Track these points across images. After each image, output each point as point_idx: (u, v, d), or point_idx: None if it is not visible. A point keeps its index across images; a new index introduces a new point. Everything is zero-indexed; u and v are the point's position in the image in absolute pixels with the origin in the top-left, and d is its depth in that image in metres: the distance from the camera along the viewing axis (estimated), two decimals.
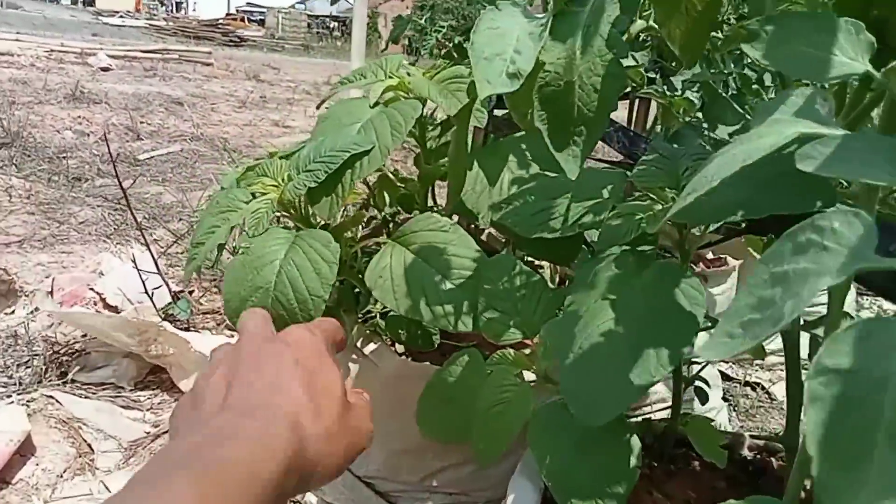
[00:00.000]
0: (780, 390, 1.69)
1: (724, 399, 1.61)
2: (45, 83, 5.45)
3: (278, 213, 0.83)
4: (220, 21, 20.14)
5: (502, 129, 1.02)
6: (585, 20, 0.50)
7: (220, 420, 0.38)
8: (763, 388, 1.68)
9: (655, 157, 0.76)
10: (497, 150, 0.89)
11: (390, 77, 0.90)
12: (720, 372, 1.63)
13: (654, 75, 1.18)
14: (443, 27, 1.19)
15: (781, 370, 1.80)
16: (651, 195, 0.73)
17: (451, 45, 1.18)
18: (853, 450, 0.30)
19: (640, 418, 1.01)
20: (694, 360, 0.87)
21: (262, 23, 25.07)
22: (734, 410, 1.60)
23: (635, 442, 0.70)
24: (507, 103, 0.73)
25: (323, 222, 0.92)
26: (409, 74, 0.91)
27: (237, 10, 30.24)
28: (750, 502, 0.55)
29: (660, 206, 0.70)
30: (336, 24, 24.28)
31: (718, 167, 0.41)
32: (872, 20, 0.58)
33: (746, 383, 1.68)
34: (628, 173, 0.78)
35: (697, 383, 0.84)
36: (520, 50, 0.47)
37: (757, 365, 1.80)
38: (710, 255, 1.63)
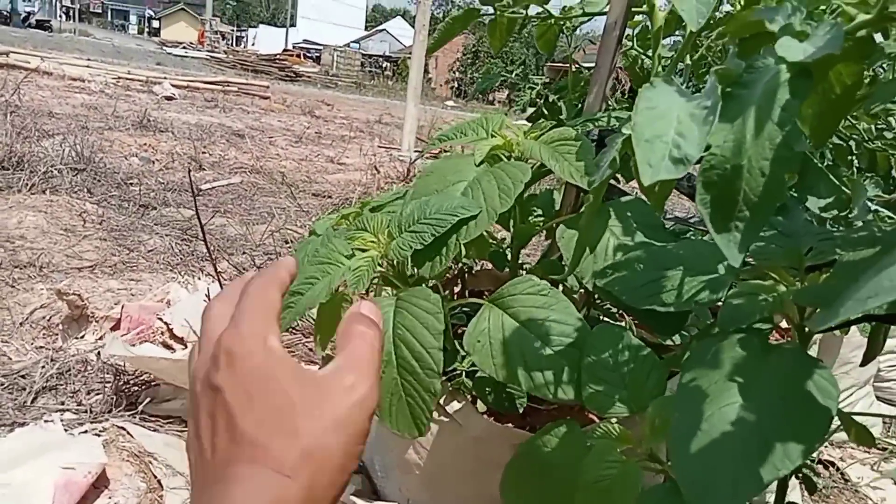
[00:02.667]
0: (853, 471, 1.62)
1: (796, 477, 1.54)
2: (114, 109, 5.69)
3: (378, 272, 0.83)
4: (278, 56, 20.81)
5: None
6: (757, 102, 0.49)
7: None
8: (836, 467, 1.61)
9: (773, 234, 0.75)
10: (600, 214, 0.88)
11: (493, 136, 0.91)
12: None
13: None
14: (536, 84, 1.19)
15: (853, 447, 1.73)
16: (772, 274, 0.71)
17: (542, 101, 1.19)
18: None
19: None
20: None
21: (317, 59, 25.82)
22: (806, 491, 1.53)
23: None
24: (637, 180, 0.72)
25: (417, 276, 0.92)
26: (512, 133, 0.92)
27: (294, 46, 31.25)
28: None
29: (783, 288, 0.68)
30: (388, 63, 24.86)
31: None
32: None
33: (819, 461, 1.61)
34: None
35: (805, 471, 0.81)
36: (683, 133, 0.46)
37: (828, 442, 1.73)
38: (784, 324, 1.58)
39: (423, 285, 0.90)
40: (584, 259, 0.84)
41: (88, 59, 10.40)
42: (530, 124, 1.12)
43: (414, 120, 6.28)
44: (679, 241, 0.81)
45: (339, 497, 0.36)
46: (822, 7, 0.56)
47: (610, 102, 1.27)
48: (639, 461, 0.71)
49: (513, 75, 1.23)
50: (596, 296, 1.00)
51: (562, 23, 1.15)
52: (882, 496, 1.50)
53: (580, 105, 1.15)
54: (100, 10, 52.67)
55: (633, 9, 1.00)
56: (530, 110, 1.34)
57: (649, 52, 1.01)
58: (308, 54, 27.42)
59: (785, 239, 0.72)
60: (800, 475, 0.81)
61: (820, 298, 0.62)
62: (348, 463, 0.36)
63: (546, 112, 1.17)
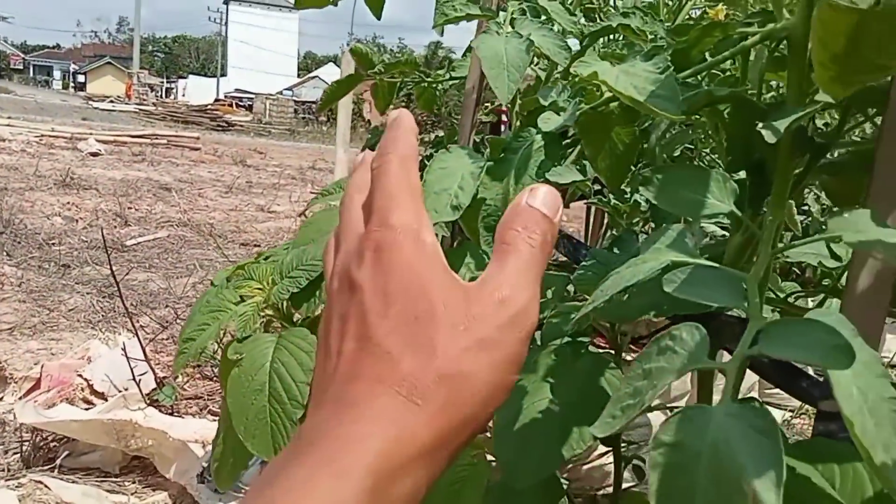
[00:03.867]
0: None
1: (637, 466, 1.69)
2: (35, 169, 5.62)
3: (264, 315, 0.94)
4: (209, 106, 20.73)
5: (465, 234, 1.15)
6: (517, 164, 0.63)
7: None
8: None
9: (592, 263, 0.89)
10: (458, 252, 1.02)
11: None
12: None
13: (600, 186, 1.34)
14: (418, 140, 1.33)
15: None
16: (588, 297, 0.85)
17: (424, 155, 1.33)
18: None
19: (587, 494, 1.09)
20: (631, 441, 0.97)
21: (250, 108, 25.82)
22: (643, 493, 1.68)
23: None
24: (461, 224, 0.86)
25: (302, 317, 1.03)
26: None
27: (226, 96, 31.20)
28: None
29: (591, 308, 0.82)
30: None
31: (612, 285, 0.54)
32: (753, 162, 0.73)
33: None
34: (570, 277, 0.92)
35: (636, 462, 0.94)
36: (462, 187, 0.60)
37: None
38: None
39: (312, 326, 1.01)
40: None
41: (9, 117, 10.18)
42: None
43: (344, 165, 6.41)
44: None
45: (477, 434, 0.31)
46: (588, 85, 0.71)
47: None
48: (486, 463, 0.83)
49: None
50: None
51: (436, 85, 1.30)
52: None
53: None
54: (21, 67, 51.34)
55: None
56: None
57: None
58: (240, 103, 27.40)
59: (600, 267, 0.87)
60: (632, 465, 0.95)
61: (614, 315, 0.77)
62: (495, 395, 0.30)
63: (426, 163, 1.31)
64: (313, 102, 25.90)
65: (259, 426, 0.83)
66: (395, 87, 1.32)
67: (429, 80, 1.28)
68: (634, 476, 0.97)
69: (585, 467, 1.45)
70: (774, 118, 0.61)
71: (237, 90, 34.14)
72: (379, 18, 1.31)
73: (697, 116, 0.74)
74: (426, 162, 1.45)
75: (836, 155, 0.88)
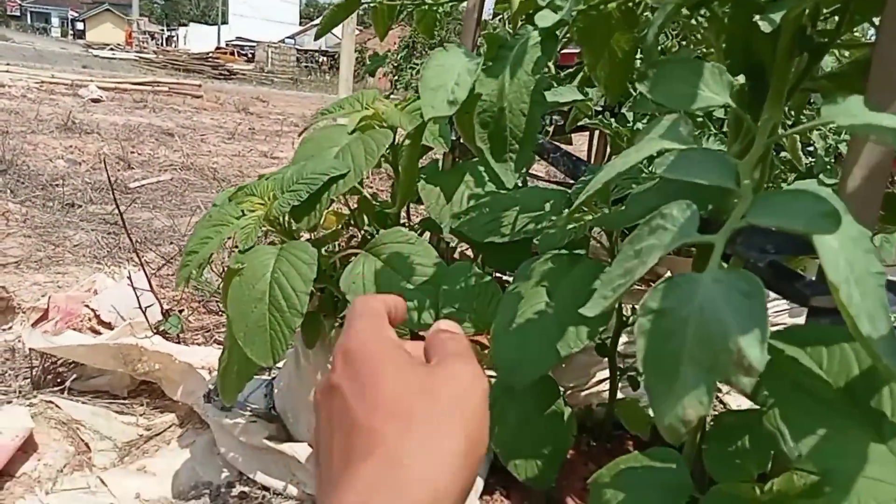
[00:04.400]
0: (732, 399, 1.81)
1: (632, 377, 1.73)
2: (37, 113, 5.58)
3: (265, 229, 0.95)
4: (210, 54, 20.42)
5: (466, 154, 1.15)
6: (512, 60, 0.63)
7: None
8: (716, 396, 1.80)
9: (590, 177, 0.90)
10: (457, 171, 1.02)
11: (366, 108, 1.04)
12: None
13: (601, 108, 1.33)
14: (417, 64, 1.32)
15: None
16: (585, 209, 0.86)
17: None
18: (667, 367, 0.42)
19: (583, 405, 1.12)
20: (627, 354, 0.99)
21: (251, 57, 25.42)
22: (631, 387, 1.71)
23: (571, 419, 0.81)
24: (456, 127, 0.86)
25: (305, 237, 1.05)
26: (383, 105, 1.05)
27: (227, 44, 30.69)
28: (651, 452, 0.67)
29: (590, 217, 0.83)
30: (325, 58, 24.66)
31: (605, 173, 0.54)
32: (752, 63, 0.73)
33: None
34: (569, 191, 0.92)
35: (631, 373, 0.96)
36: (459, 83, 0.60)
37: None
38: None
39: (315, 246, 1.02)
40: (443, 208, 0.98)
41: (8, 64, 10.05)
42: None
43: None
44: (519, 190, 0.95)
45: (467, 493, 0.33)
46: None
47: None
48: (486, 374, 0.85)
49: (398, 57, 1.34)
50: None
51: (436, 8, 1.28)
52: (739, 403, 1.69)
53: None
54: (18, 14, 50.43)
55: None
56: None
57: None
58: (241, 52, 26.97)
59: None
60: (628, 375, 0.97)
61: (612, 222, 0.78)
62: (472, 450, 0.33)
63: None
64: (316, 51, 25.48)
65: (258, 333, 0.85)
66: (394, 11, 1.30)
67: (429, 2, 1.27)
68: (631, 388, 1.00)
69: (584, 393, 1.48)
70: (772, 11, 0.61)
71: (238, 38, 33.54)
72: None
73: (698, 20, 0.74)
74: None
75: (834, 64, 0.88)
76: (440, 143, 0.97)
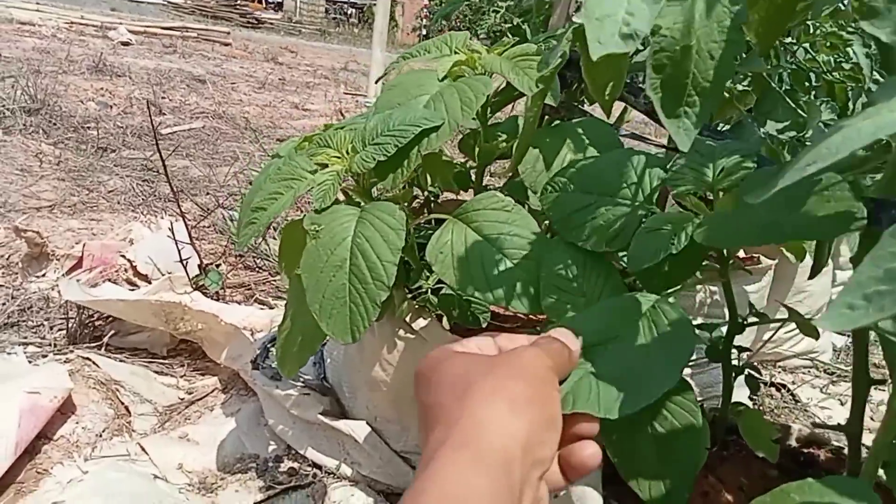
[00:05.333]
0: (803, 392, 1.70)
1: (750, 399, 1.61)
2: (67, 54, 5.46)
3: (343, 186, 0.83)
4: (239, 2, 20.10)
5: (558, 113, 1.02)
6: None
7: (453, 466, 0.37)
8: (788, 389, 1.69)
9: (692, 157, 0.73)
10: (556, 132, 0.89)
11: (456, 52, 0.91)
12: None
13: None
14: (501, 6, 1.18)
15: (804, 373, 1.81)
16: (684, 204, 0.70)
17: (508, 26, 1.18)
18: None
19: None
20: (741, 349, 0.87)
21: (279, 6, 25.01)
22: (760, 410, 1.60)
23: (704, 429, 0.70)
24: (584, 74, 0.73)
25: (378, 194, 0.93)
26: (479, 50, 0.91)
27: None
28: (829, 482, 0.55)
29: (691, 223, 0.66)
30: (353, 10, 24.22)
31: (844, 140, 0.41)
32: None
33: (772, 384, 1.68)
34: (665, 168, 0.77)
35: (749, 371, 0.85)
36: (632, 12, 0.47)
37: (780, 367, 1.80)
38: (742, 254, 1.63)
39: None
40: (540, 175, 0.85)
41: (38, 3, 9.92)
42: None
43: (380, 66, 6.16)
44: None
45: (540, 441, 0.40)
46: None
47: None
48: None
49: (497, 4, 1.21)
50: None
51: None
52: (829, 415, 1.58)
53: (545, 28, 1.14)
54: None
55: None
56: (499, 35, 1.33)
57: None
58: (269, 0, 26.54)
59: (700, 160, 0.71)
60: (745, 375, 0.85)
61: (718, 232, 0.62)
62: (534, 397, 0.40)
63: (511, 35, 1.17)
64: (345, 2, 25.01)
65: (337, 306, 0.74)
66: None
67: None
68: (750, 391, 0.88)
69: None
70: None
71: None
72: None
73: None
74: (509, 35, 1.29)
75: None
76: (552, 97, 0.83)
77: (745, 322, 0.83)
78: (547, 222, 0.94)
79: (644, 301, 0.63)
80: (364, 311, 0.73)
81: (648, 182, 0.74)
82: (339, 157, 0.83)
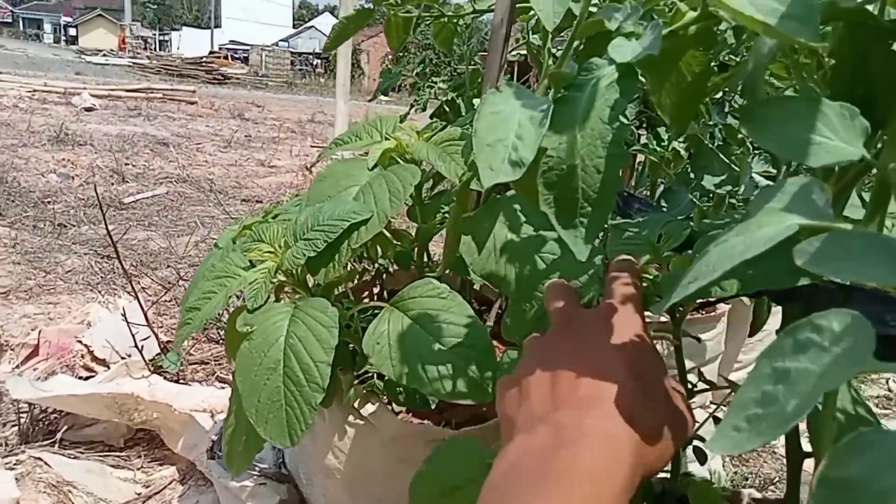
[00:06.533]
0: None
1: (696, 447, 1.61)
2: (28, 125, 5.45)
3: (276, 282, 0.83)
4: (204, 59, 20.27)
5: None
6: (585, 105, 0.51)
7: (558, 418, 0.38)
8: None
9: (647, 221, 0.76)
10: (487, 211, 0.90)
11: (387, 139, 0.92)
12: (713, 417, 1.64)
13: (638, 125, 1.21)
14: (435, 82, 1.21)
15: None
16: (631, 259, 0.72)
17: (444, 99, 1.20)
18: None
19: None
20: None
21: (245, 60, 25.26)
22: (709, 481, 1.60)
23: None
24: (511, 185, 0.74)
25: (315, 282, 0.92)
26: (405, 134, 0.93)
27: (220, 48, 30.48)
28: None
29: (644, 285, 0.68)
30: (319, 61, 24.54)
31: (719, 258, 0.42)
32: (860, 96, 0.61)
33: None
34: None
35: (696, 443, 0.84)
36: (521, 136, 0.48)
37: None
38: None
39: (328, 291, 0.90)
40: (476, 261, 0.86)
41: (0, 73, 9.91)
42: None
43: (345, 117, 6.21)
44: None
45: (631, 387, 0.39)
46: (661, 4, 0.58)
47: None
48: None
49: (413, 74, 1.24)
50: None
51: (456, 21, 1.17)
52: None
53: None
54: (10, 20, 50.19)
55: (519, 5, 1.02)
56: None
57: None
58: (235, 55, 26.79)
59: (639, 230, 0.73)
60: (693, 447, 0.85)
61: (671, 284, 0.64)
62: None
63: (447, 109, 1.19)
64: (310, 54, 25.36)
65: (273, 409, 0.73)
66: (410, 23, 1.18)
67: (449, 14, 1.15)
68: (698, 462, 0.88)
69: None
70: None
71: (232, 42, 33.41)
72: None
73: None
74: (445, 108, 1.32)
75: None
76: (478, 186, 0.84)
77: (694, 389, 0.84)
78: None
79: None
80: (301, 414, 0.72)
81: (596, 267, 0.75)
82: (271, 252, 0.83)
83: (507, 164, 0.45)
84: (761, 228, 0.42)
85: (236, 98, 11.86)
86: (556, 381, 0.41)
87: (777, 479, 1.56)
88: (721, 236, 0.44)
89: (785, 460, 1.59)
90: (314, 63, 24.54)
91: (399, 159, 0.90)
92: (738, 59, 0.96)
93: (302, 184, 4.38)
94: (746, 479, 1.58)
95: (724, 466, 1.58)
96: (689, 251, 0.72)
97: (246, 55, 26.18)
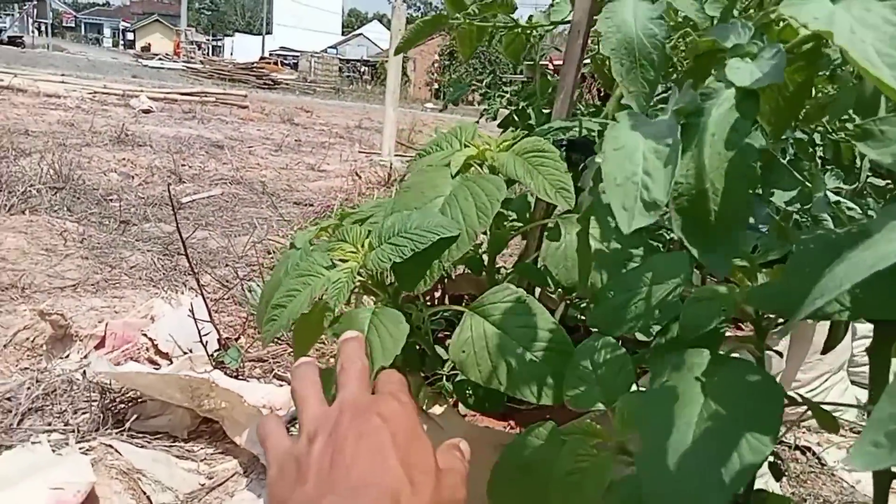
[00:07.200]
0: (829, 455, 1.66)
1: (774, 464, 1.58)
2: (91, 125, 5.65)
3: (358, 283, 0.85)
4: (255, 64, 20.74)
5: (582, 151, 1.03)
6: (708, 130, 0.51)
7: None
8: (813, 452, 1.65)
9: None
10: (581, 221, 0.90)
11: (467, 146, 0.93)
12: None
13: None
14: (506, 92, 1.22)
15: (830, 434, 1.77)
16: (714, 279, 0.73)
17: (514, 108, 1.21)
18: None
19: None
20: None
21: (294, 66, 25.75)
22: (784, 475, 1.57)
23: None
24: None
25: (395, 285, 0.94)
26: (485, 143, 0.94)
27: (271, 54, 31.14)
28: None
29: (737, 291, 0.69)
30: (366, 67, 24.86)
31: (847, 272, 0.42)
32: None
33: (796, 447, 1.65)
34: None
35: (771, 459, 0.83)
36: (649, 171, 0.48)
37: (805, 427, 1.77)
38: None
39: (398, 294, 0.92)
40: (559, 263, 0.87)
41: (63, 75, 10.31)
42: (502, 131, 1.14)
43: (393, 124, 6.30)
44: (650, 245, 0.83)
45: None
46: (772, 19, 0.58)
47: (579, 106, 1.30)
48: (610, 454, 0.73)
49: (483, 84, 1.26)
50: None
51: (528, 32, 1.18)
52: (857, 478, 1.54)
53: (550, 111, 1.18)
54: (73, 25, 52.16)
55: (596, 17, 1.03)
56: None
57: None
58: (285, 61, 27.33)
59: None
60: (769, 463, 0.84)
61: (769, 300, 0.64)
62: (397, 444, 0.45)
63: (516, 118, 1.20)
64: (358, 60, 25.71)
65: None
66: (483, 32, 1.20)
67: (524, 24, 1.16)
68: (774, 477, 0.87)
69: None
70: None
71: (282, 48, 34.08)
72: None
73: None
74: (514, 117, 1.33)
75: None
76: (553, 197, 0.84)
77: None
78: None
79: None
80: None
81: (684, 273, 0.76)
82: (354, 252, 0.86)
83: (640, 205, 0.45)
84: (891, 243, 0.42)
85: (286, 103, 12.10)
86: (334, 467, 0.43)
87: (836, 501, 1.52)
88: (844, 253, 0.44)
89: (845, 481, 1.54)
90: (361, 70, 24.87)
91: (480, 167, 0.92)
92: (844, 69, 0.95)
93: (352, 188, 4.45)
94: (805, 500, 1.55)
95: (780, 487, 1.55)
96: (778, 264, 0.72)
97: (295, 61, 26.69)
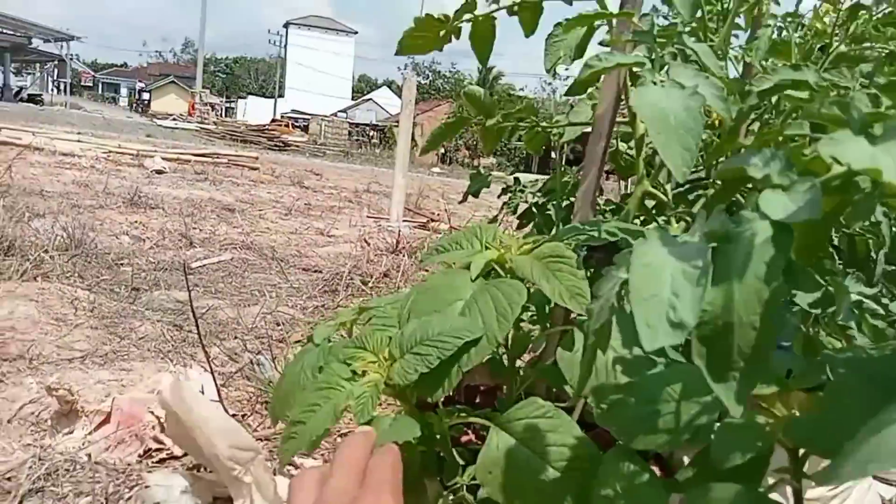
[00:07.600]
0: None
1: None
2: (104, 186, 5.74)
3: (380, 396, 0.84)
4: (267, 126, 21.20)
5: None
6: (741, 260, 0.51)
7: None
8: None
9: None
10: (603, 329, 0.90)
11: (487, 248, 0.94)
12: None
13: None
14: (525, 188, 1.24)
15: None
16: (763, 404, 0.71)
17: (532, 203, 1.23)
18: None
19: None
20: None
21: (305, 129, 26.31)
22: None
23: None
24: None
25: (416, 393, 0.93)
26: (504, 245, 0.94)
27: (283, 116, 31.88)
28: None
29: (772, 420, 0.67)
30: (375, 132, 25.37)
31: None
32: None
33: None
34: None
35: None
36: (677, 292, 0.48)
37: None
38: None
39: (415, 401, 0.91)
40: (573, 368, 0.86)
41: (79, 133, 10.54)
42: (521, 230, 1.15)
43: (402, 191, 6.38)
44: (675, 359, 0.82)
45: None
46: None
47: (598, 203, 1.32)
48: None
49: (507, 174, 1.27)
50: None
51: (550, 130, 1.20)
52: None
53: (569, 204, 1.19)
54: (91, 84, 53.69)
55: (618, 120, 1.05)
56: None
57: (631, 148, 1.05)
58: (296, 124, 27.94)
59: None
60: None
61: (810, 437, 0.63)
62: None
63: (535, 212, 1.21)
64: (367, 125, 26.26)
65: None
66: (504, 132, 1.23)
67: (545, 125, 1.19)
68: None
69: None
70: None
71: (294, 111, 34.88)
72: (484, 65, 1.23)
73: None
74: (533, 210, 1.34)
75: None
76: (568, 303, 0.84)
77: None
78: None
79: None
80: None
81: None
82: (375, 363, 0.85)
83: (665, 324, 0.46)
84: None
85: (296, 165, 12.30)
86: None
87: None
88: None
89: None
90: (370, 134, 25.38)
91: (500, 270, 0.92)
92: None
93: (360, 255, 4.46)
94: None
95: None
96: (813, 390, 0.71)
97: (306, 124, 27.28)
